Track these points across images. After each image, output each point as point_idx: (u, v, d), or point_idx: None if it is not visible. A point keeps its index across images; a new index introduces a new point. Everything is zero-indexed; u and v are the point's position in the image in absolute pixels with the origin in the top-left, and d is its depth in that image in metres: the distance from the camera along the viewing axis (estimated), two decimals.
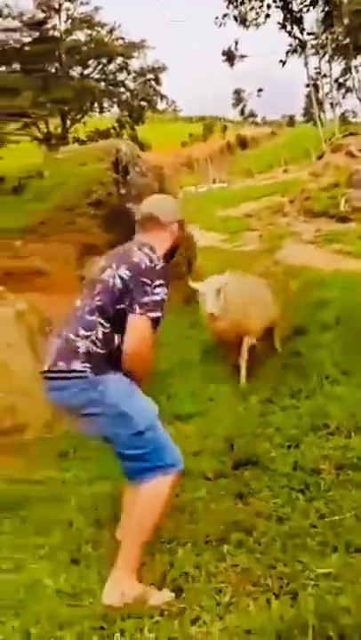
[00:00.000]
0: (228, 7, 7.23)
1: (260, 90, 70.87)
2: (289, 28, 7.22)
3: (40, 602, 2.23)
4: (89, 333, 2.16)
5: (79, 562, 2.54)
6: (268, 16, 6.94)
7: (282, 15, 6.88)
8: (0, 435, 3.76)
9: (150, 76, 25.44)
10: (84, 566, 2.50)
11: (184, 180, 31.26)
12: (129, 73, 25.15)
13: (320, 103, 50.32)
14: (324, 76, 50.75)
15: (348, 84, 57.14)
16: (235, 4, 7.19)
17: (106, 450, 3.68)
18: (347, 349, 4.70)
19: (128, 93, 25.44)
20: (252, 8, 7.45)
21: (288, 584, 2.19)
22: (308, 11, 7.33)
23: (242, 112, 72.34)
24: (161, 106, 30.32)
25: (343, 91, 57.09)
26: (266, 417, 3.67)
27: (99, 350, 2.15)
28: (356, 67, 56.42)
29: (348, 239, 12.67)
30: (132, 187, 7.35)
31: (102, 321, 2.16)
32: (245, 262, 10.24)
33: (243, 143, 54.51)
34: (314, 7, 7.71)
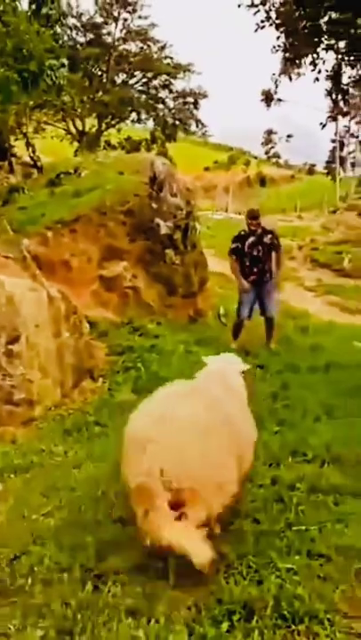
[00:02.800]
0: (283, 66, 7.73)
1: (289, 136, 72.57)
2: (334, 96, 7.75)
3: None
4: None
5: (79, 523, 2.93)
6: (317, 79, 7.46)
7: (330, 84, 7.41)
8: (13, 405, 4.14)
9: (190, 99, 26.23)
10: (82, 528, 2.90)
11: (201, 203, 31.95)
12: (171, 92, 25.93)
13: (342, 160, 52.00)
14: (352, 135, 52.63)
15: None
16: (289, 66, 7.72)
17: (106, 434, 4.13)
18: (331, 392, 5.19)
19: (166, 111, 26.19)
20: (301, 74, 8.04)
21: (256, 572, 2.61)
22: (354, 86, 7.85)
23: (267, 151, 73.85)
24: (193, 128, 31.08)
25: None
26: None
27: None
28: None
29: (346, 294, 13.28)
30: (163, 203, 7.83)
31: None
32: None
33: (262, 181, 55.63)
34: None
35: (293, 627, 2.25)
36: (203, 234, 16.94)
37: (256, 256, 6.85)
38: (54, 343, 4.50)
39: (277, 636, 2.20)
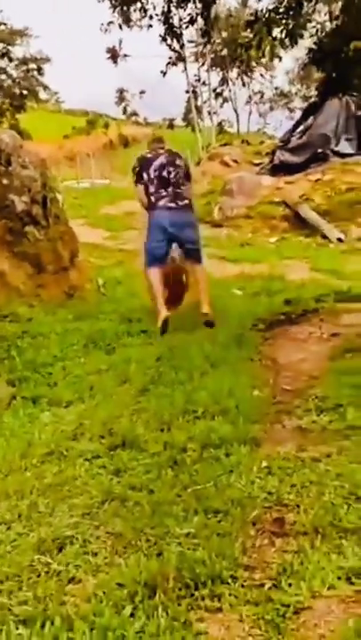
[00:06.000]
0: (113, 13, 7.45)
1: (142, 92, 71.80)
2: (169, 41, 7.56)
3: None
4: None
5: None
6: (150, 26, 7.26)
7: (163, 28, 7.23)
8: None
9: (33, 65, 24.84)
10: None
11: (65, 173, 30.86)
12: (11, 60, 24.33)
13: (199, 110, 52.39)
14: (204, 84, 52.91)
15: (225, 94, 60.05)
16: (119, 12, 7.42)
17: None
18: (215, 345, 5.22)
19: (10, 81, 24.59)
20: (136, 18, 7.85)
21: (155, 544, 2.52)
22: (187, 27, 7.76)
23: (124, 111, 72.70)
24: (43, 96, 29.58)
25: (220, 100, 59.88)
26: (142, 404, 4.01)
27: None
28: (232, 79, 59.37)
29: (219, 244, 13.53)
30: (14, 178, 7.32)
31: None
32: (127, 260, 10.61)
33: (125, 141, 54.83)
34: (193, 25, 8.19)
35: (197, 593, 2.20)
36: (70, 204, 16.36)
37: (167, 178, 6.05)
38: None
39: (182, 606, 2.13)
